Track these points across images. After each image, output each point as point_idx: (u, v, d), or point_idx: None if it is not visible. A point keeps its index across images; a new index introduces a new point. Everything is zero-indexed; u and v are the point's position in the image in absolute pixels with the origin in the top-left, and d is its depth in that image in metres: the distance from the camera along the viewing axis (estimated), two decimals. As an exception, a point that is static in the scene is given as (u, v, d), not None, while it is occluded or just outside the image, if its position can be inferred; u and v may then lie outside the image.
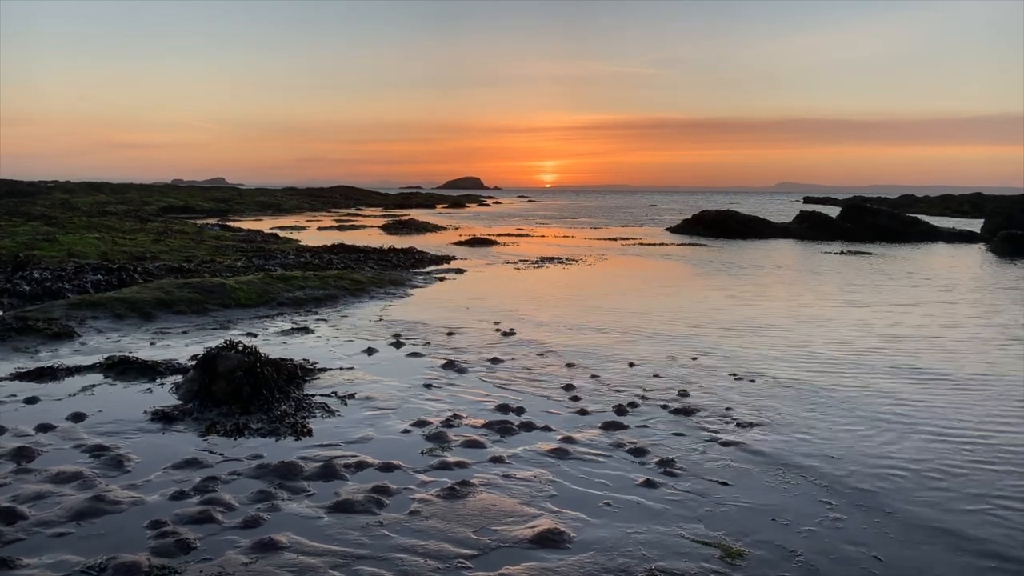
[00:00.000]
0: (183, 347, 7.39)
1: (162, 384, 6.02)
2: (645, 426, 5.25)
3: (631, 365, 7.02)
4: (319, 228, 28.52)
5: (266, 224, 29.78)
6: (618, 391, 6.13)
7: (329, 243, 18.49)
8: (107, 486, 4.00)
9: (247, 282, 10.43)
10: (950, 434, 5.18)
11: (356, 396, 5.84)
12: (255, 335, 8.06)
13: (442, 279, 13.38)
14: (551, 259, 17.61)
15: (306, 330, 8.42)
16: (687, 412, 5.57)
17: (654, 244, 23.14)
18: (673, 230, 29.68)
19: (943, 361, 7.40)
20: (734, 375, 6.69)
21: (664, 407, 5.70)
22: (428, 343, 7.86)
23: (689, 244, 23.41)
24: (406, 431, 5.04)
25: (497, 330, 8.62)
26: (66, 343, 7.36)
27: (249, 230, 23.28)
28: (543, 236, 26.86)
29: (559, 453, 4.69)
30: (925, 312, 10.49)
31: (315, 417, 5.28)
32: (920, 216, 32.21)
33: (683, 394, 6.05)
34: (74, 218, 21.99)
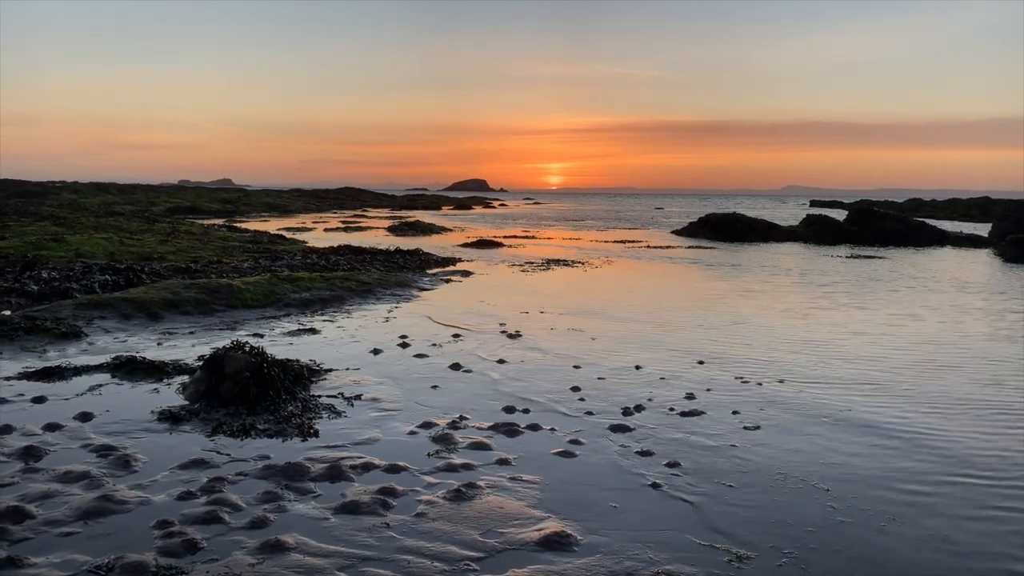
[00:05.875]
0: (190, 347, 7.40)
1: (169, 384, 6.04)
2: (651, 428, 5.24)
3: (638, 368, 7.01)
4: (325, 229, 28.58)
5: (272, 225, 29.85)
6: (624, 393, 6.12)
7: (335, 244, 18.52)
8: (114, 486, 4.00)
9: (254, 283, 10.45)
10: (955, 448, 5.16)
11: (362, 397, 5.84)
12: (262, 336, 8.08)
13: (448, 281, 13.39)
14: (557, 261, 17.61)
15: (312, 331, 8.44)
16: (693, 414, 5.56)
17: (660, 247, 23.12)
18: (679, 233, 29.66)
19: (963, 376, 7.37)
20: (741, 379, 6.68)
21: (671, 410, 5.68)
22: (434, 344, 7.86)
23: (695, 247, 23.39)
24: (412, 432, 5.04)
25: (503, 332, 8.62)
26: (74, 343, 7.38)
27: (255, 231, 23.33)
28: (549, 238, 26.87)
29: (566, 455, 4.68)
30: (941, 320, 10.46)
31: (321, 418, 5.29)
32: (927, 220, 32.11)
33: (689, 397, 6.04)
34: (82, 218, 22.09)
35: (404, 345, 7.79)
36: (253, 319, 9.09)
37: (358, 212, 47.31)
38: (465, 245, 21.64)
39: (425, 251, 17.64)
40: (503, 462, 4.53)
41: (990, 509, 4.02)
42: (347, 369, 6.72)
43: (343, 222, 33.93)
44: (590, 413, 5.57)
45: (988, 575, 3.34)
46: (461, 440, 4.89)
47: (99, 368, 6.42)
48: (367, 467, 4.38)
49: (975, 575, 3.33)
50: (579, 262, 17.68)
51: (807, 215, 29.80)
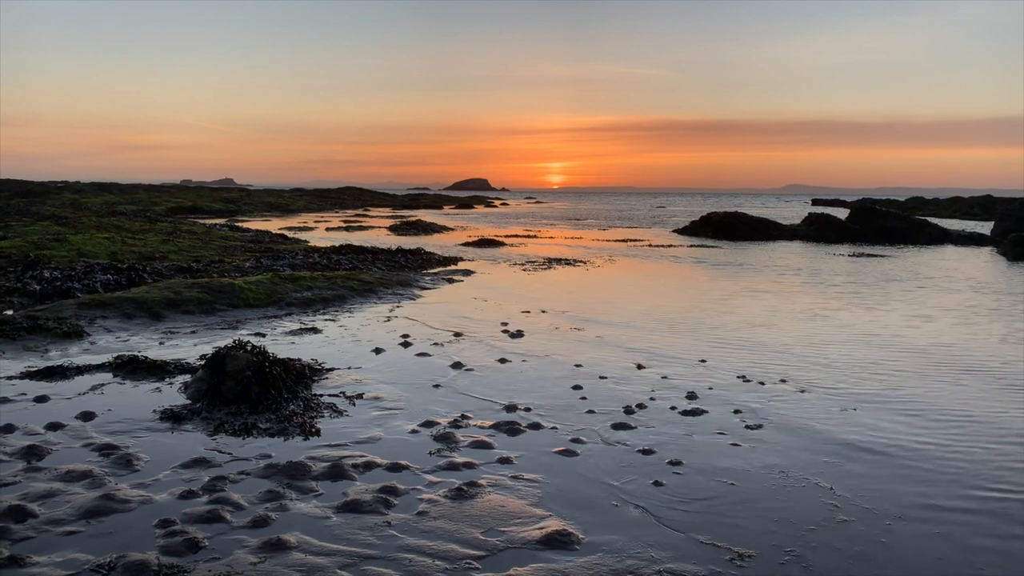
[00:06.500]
0: (192, 347, 7.41)
1: (171, 383, 6.04)
2: (653, 427, 5.24)
3: (639, 367, 7.01)
4: (327, 229, 28.58)
5: (274, 224, 29.86)
6: (626, 392, 6.12)
7: (337, 244, 18.52)
8: (116, 485, 4.01)
9: (256, 282, 10.46)
10: (965, 453, 5.15)
11: (364, 396, 5.84)
12: (264, 335, 8.08)
13: (450, 280, 13.39)
14: (559, 260, 17.60)
15: (314, 330, 8.44)
16: (695, 413, 5.56)
17: (662, 246, 23.11)
18: (681, 232, 29.65)
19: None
20: (742, 377, 6.67)
21: (672, 408, 5.68)
22: (436, 343, 7.86)
23: (697, 246, 23.37)
24: (414, 431, 5.04)
25: (505, 331, 8.62)
26: (76, 342, 7.39)
27: (257, 230, 23.34)
28: (551, 237, 26.86)
29: (567, 453, 4.68)
30: (949, 319, 10.45)
31: (323, 417, 5.29)
32: (929, 218, 32.09)
33: (691, 396, 6.03)
34: (84, 218, 22.10)
35: (406, 344, 7.79)
36: (255, 318, 9.10)
37: (360, 212, 47.32)
38: (467, 244, 21.64)
39: (427, 250, 17.64)
40: (505, 461, 4.53)
41: (1001, 517, 4.01)
42: (349, 368, 6.72)
43: (345, 221, 33.93)
44: (592, 412, 5.57)
45: None
46: (463, 439, 4.89)
47: (101, 367, 6.42)
48: (369, 466, 4.38)
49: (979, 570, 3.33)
50: (581, 261, 17.68)
51: (809, 213, 29.79)
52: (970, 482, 4.35)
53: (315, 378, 6.26)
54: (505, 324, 9.05)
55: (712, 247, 22.93)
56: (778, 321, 9.68)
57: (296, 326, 8.66)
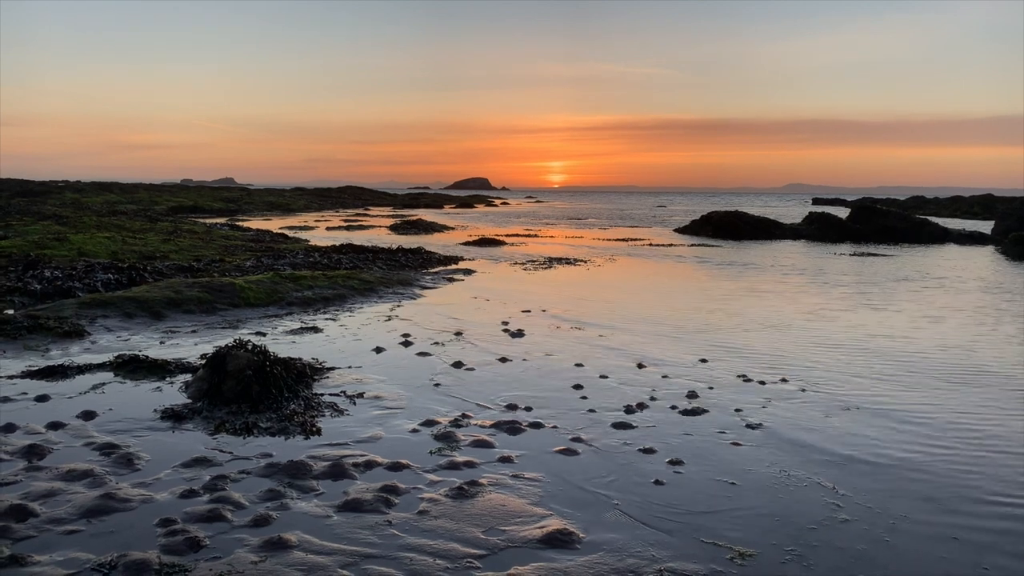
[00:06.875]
0: (192, 346, 7.41)
1: (172, 383, 6.04)
2: (654, 426, 5.23)
3: (640, 366, 7.00)
4: (328, 228, 28.58)
5: (275, 224, 29.86)
6: (627, 391, 6.12)
7: (338, 243, 18.52)
8: (117, 484, 4.01)
9: (256, 281, 10.46)
10: (972, 459, 5.14)
11: (365, 395, 5.84)
12: (264, 334, 8.08)
13: (450, 279, 13.39)
14: (560, 260, 17.60)
15: (315, 329, 8.44)
16: (695, 413, 5.55)
17: (663, 245, 23.10)
18: (682, 231, 29.64)
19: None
20: (743, 377, 6.67)
21: (673, 407, 5.68)
22: (436, 343, 7.86)
23: (698, 245, 23.37)
24: (415, 431, 5.04)
25: (505, 330, 8.61)
26: (76, 342, 7.39)
27: (258, 230, 23.34)
28: (551, 236, 26.84)
29: (568, 452, 4.68)
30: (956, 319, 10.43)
31: (324, 416, 5.29)
32: (930, 217, 32.07)
33: (692, 395, 6.03)
34: (84, 218, 22.10)
35: (406, 343, 7.79)
36: (256, 318, 9.10)
37: (360, 211, 47.33)
38: (467, 243, 21.63)
39: (427, 249, 17.64)
40: (505, 460, 4.53)
41: (1009, 529, 4.01)
42: (349, 367, 6.72)
43: (345, 221, 33.94)
44: (592, 411, 5.56)
45: None
46: (463, 438, 4.89)
47: (102, 367, 6.42)
48: (369, 465, 4.38)
49: (985, 568, 3.33)
50: (582, 260, 17.67)
51: (810, 213, 29.79)
52: (973, 493, 4.34)
53: (316, 377, 6.26)
54: (506, 323, 9.05)
55: (713, 246, 22.93)
56: (781, 321, 9.68)
57: (297, 325, 8.66)
